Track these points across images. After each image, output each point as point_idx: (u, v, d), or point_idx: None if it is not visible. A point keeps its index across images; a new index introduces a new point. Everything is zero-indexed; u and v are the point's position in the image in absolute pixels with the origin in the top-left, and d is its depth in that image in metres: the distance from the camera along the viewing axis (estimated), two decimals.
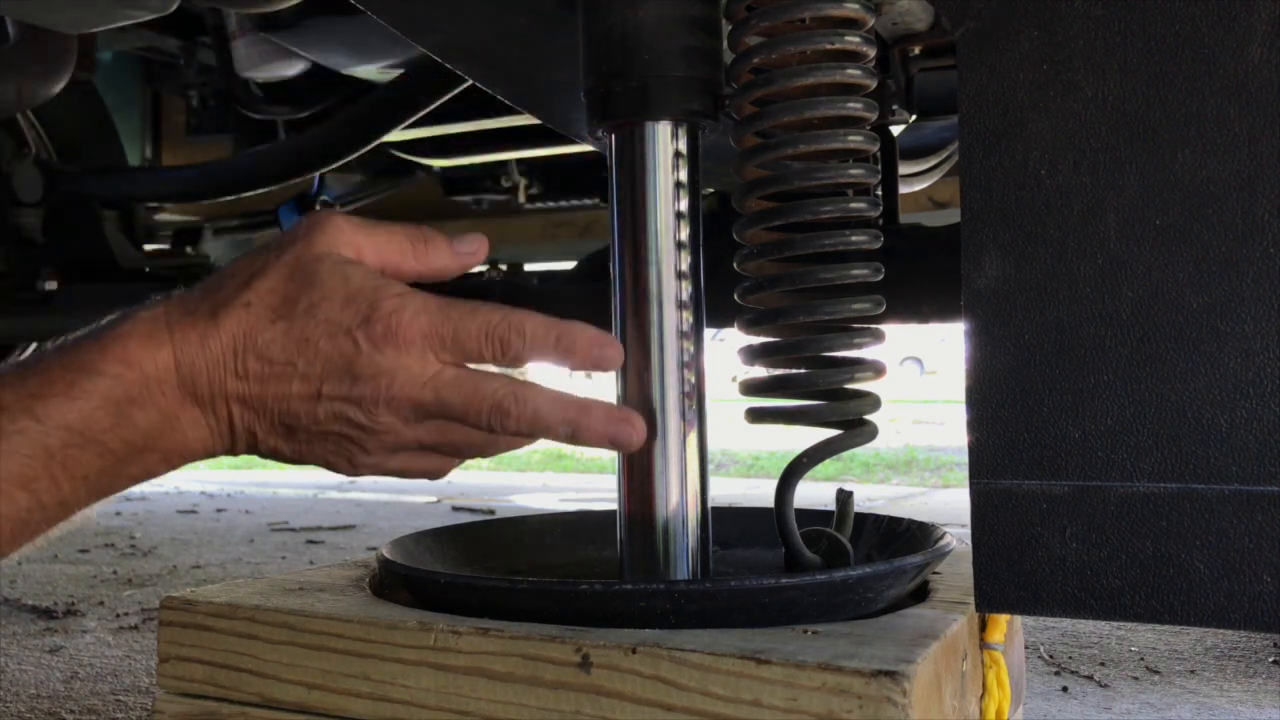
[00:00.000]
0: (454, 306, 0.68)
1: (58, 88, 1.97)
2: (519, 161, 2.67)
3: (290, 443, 0.69)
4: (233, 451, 0.70)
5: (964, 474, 1.39)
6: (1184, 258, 0.65)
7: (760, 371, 0.85)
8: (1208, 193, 0.64)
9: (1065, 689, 1.62)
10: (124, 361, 0.64)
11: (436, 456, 0.73)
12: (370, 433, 0.68)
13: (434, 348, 0.67)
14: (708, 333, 0.85)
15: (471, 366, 0.70)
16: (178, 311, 0.66)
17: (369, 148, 2.12)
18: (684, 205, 0.81)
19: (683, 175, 0.81)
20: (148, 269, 2.51)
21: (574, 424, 0.71)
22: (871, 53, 0.80)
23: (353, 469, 0.71)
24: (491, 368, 0.70)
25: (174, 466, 0.70)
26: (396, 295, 0.67)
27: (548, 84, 1.06)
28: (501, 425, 0.69)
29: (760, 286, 0.83)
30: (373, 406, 0.67)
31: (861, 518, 0.93)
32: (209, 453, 0.70)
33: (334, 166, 2.22)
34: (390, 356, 0.66)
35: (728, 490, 4.68)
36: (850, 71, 0.79)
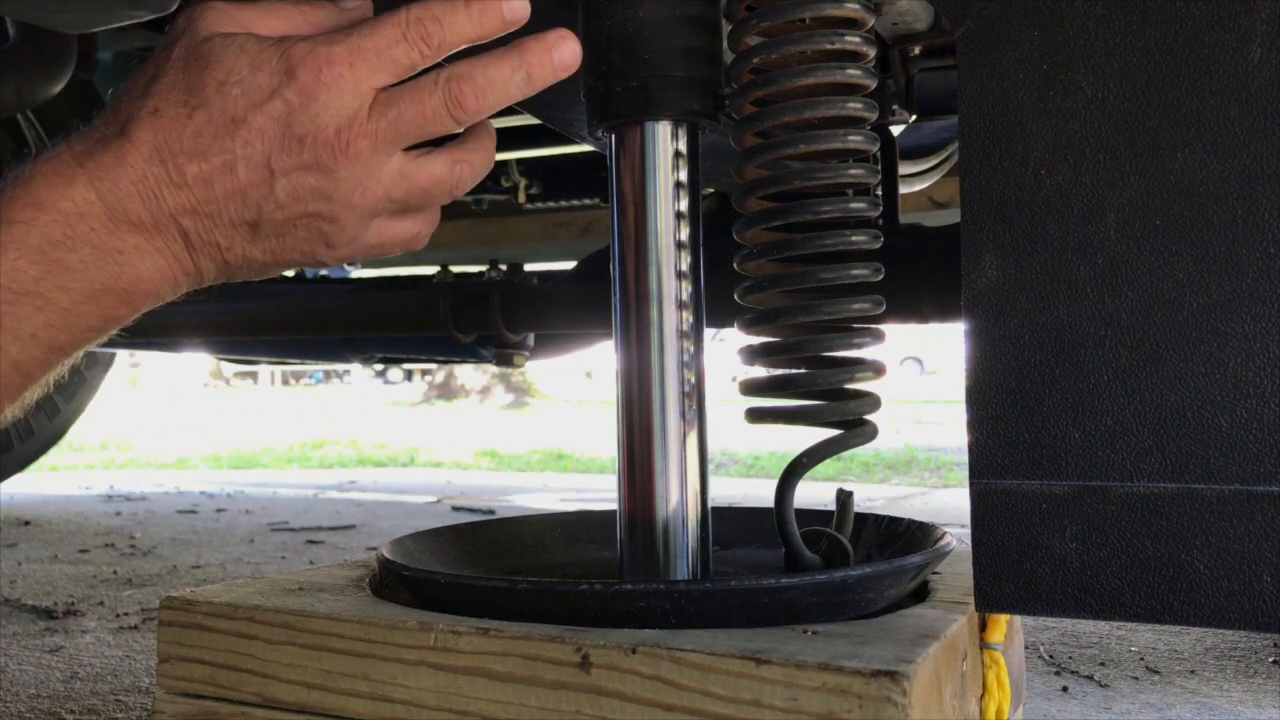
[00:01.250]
0: (358, 25, 0.64)
1: (58, 88, 1.97)
2: (519, 161, 2.67)
3: (259, 242, 0.64)
4: (201, 279, 0.66)
5: (964, 474, 1.39)
6: (1184, 258, 0.65)
7: (760, 371, 0.85)
8: (1208, 193, 0.64)
9: (1065, 689, 1.62)
10: (34, 205, 0.59)
11: (411, 219, 0.69)
12: (336, 200, 0.64)
13: (363, 70, 0.62)
14: (708, 333, 0.85)
15: None
16: (81, 144, 0.62)
17: None
18: (684, 205, 0.81)
19: (683, 175, 0.81)
20: None
21: (524, 67, 0.67)
22: (871, 53, 0.80)
23: (331, 251, 0.66)
24: None
25: (139, 308, 0.65)
26: (302, 42, 0.62)
27: None
28: (460, 108, 0.65)
29: (760, 286, 0.83)
30: (330, 162, 0.62)
31: (861, 518, 0.93)
32: (174, 285, 0.65)
33: None
34: (325, 99, 0.61)
35: (728, 490, 4.68)
36: (850, 71, 0.79)
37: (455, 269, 2.49)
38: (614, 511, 0.84)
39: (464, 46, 0.66)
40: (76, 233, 0.60)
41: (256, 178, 0.62)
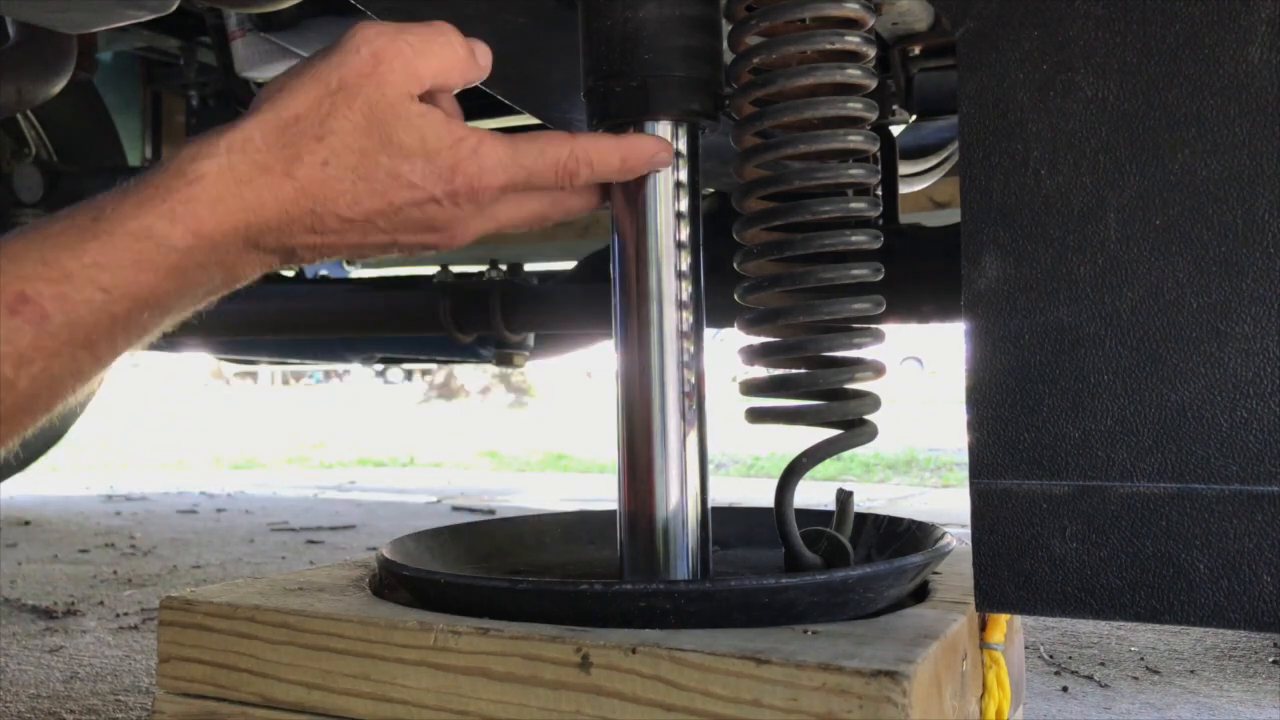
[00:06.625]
0: (524, 150, 0.70)
1: (58, 88, 1.97)
2: None
3: (353, 256, 0.72)
4: (285, 266, 0.72)
5: (964, 474, 1.39)
6: (1184, 258, 0.65)
7: (760, 371, 0.85)
8: (1208, 193, 0.64)
9: (1065, 689, 1.62)
10: (196, 234, 0.62)
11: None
12: (441, 241, 0.72)
13: (509, 184, 0.70)
14: (708, 333, 0.85)
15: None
16: (246, 166, 0.64)
17: None
18: (684, 205, 0.81)
19: (683, 175, 0.81)
20: None
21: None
22: (871, 53, 0.80)
23: (430, 249, 0.74)
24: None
25: (228, 294, 0.71)
26: (473, 153, 0.68)
27: (548, 84, 1.06)
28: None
29: (760, 286, 0.83)
30: (448, 241, 0.71)
31: (861, 518, 0.93)
32: (265, 275, 0.71)
33: None
34: (469, 209, 0.69)
35: (728, 490, 4.68)
36: (850, 71, 0.79)
37: (455, 269, 2.49)
38: (614, 511, 0.84)
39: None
40: (217, 257, 0.64)
41: (381, 241, 0.69)
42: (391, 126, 0.66)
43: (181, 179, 0.63)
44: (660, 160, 0.78)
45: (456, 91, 0.73)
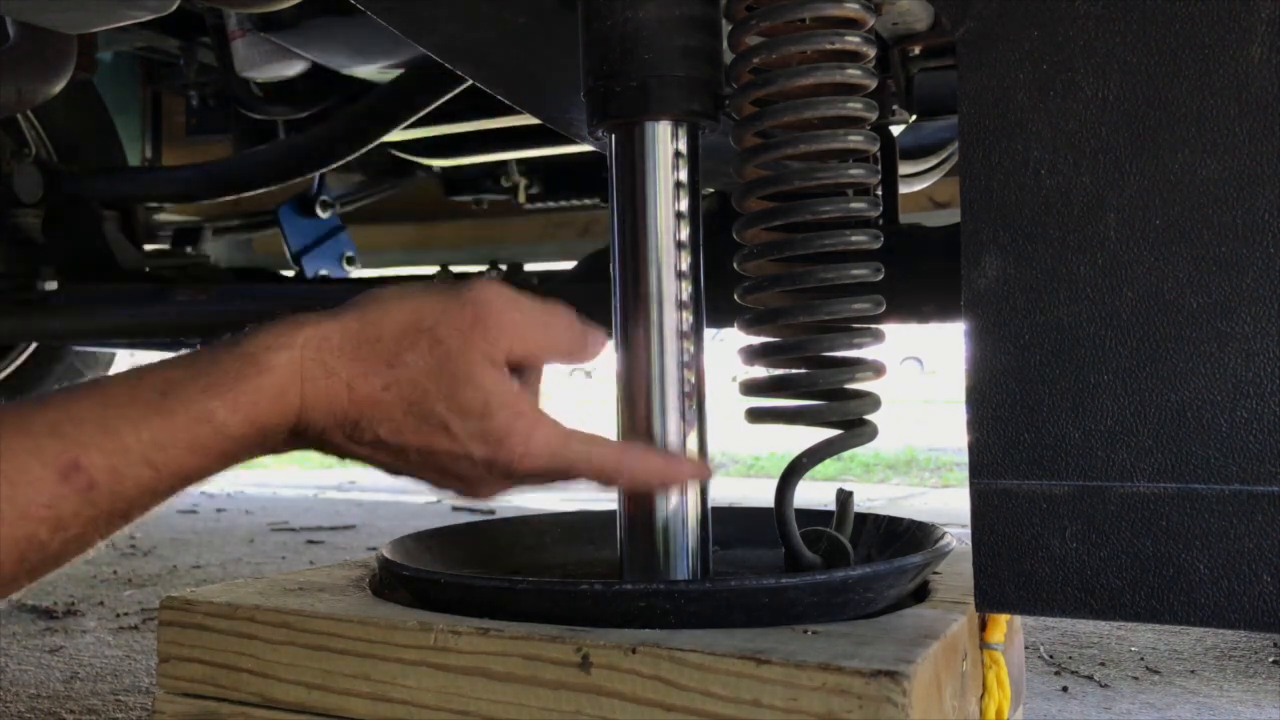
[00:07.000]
0: (575, 448, 0.70)
1: (58, 88, 1.97)
2: (519, 161, 2.67)
3: (374, 468, 0.72)
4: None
5: (964, 474, 1.39)
6: (1184, 258, 0.65)
7: (760, 371, 0.85)
8: (1208, 193, 0.64)
9: (1065, 689, 1.62)
10: (253, 424, 0.64)
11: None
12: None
13: (554, 473, 0.71)
14: (708, 333, 0.85)
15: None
16: (315, 366, 0.66)
17: (369, 148, 2.12)
18: (684, 205, 0.81)
19: (683, 175, 0.81)
20: (148, 269, 2.51)
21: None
22: (871, 53, 0.80)
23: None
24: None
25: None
26: (525, 437, 0.68)
27: (548, 84, 1.06)
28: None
29: (760, 286, 0.83)
30: (468, 494, 0.72)
31: (861, 518, 0.93)
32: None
33: (334, 166, 2.22)
34: (499, 478, 0.70)
35: (728, 490, 4.68)
36: (850, 71, 0.79)
37: (455, 269, 2.49)
38: (614, 511, 0.84)
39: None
40: (262, 442, 0.66)
41: (405, 472, 0.70)
42: (461, 382, 0.67)
43: (253, 367, 0.64)
44: (702, 477, 0.81)
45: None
